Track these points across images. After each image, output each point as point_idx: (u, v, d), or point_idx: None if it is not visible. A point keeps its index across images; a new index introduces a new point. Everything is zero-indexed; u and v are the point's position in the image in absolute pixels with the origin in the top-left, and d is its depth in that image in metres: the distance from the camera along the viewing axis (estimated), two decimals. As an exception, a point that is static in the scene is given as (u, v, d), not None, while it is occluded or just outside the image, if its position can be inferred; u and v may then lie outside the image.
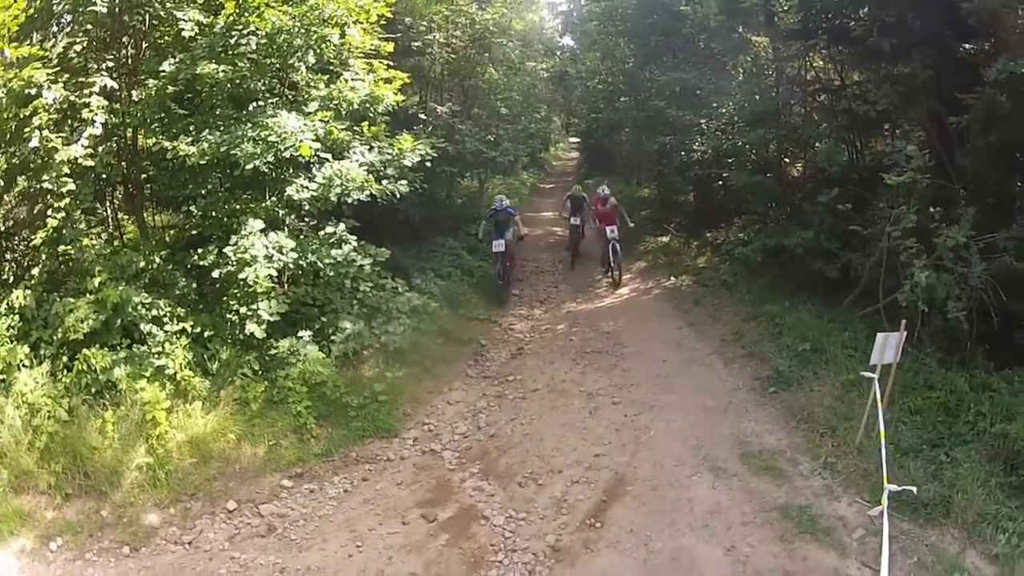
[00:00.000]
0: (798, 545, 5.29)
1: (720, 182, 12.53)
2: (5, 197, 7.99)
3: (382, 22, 8.71)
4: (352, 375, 7.93)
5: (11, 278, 7.64)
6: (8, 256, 7.98)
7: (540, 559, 5.47)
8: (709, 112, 12.81)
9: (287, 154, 7.59)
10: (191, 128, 7.81)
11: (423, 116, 11.20)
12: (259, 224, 7.57)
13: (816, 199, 9.34)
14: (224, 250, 7.45)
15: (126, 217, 9.23)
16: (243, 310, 7.47)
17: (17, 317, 7.13)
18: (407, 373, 8.25)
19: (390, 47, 8.87)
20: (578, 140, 23.19)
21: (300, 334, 7.84)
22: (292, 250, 7.60)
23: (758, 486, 6.00)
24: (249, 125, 7.60)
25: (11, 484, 6.20)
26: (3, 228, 8.27)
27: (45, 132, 6.98)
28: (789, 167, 11.67)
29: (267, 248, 7.45)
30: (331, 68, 8.81)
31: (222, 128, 7.66)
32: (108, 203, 9.06)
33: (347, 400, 7.53)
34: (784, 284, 9.90)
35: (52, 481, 6.23)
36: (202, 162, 7.49)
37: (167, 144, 7.63)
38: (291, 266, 7.73)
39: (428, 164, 8.94)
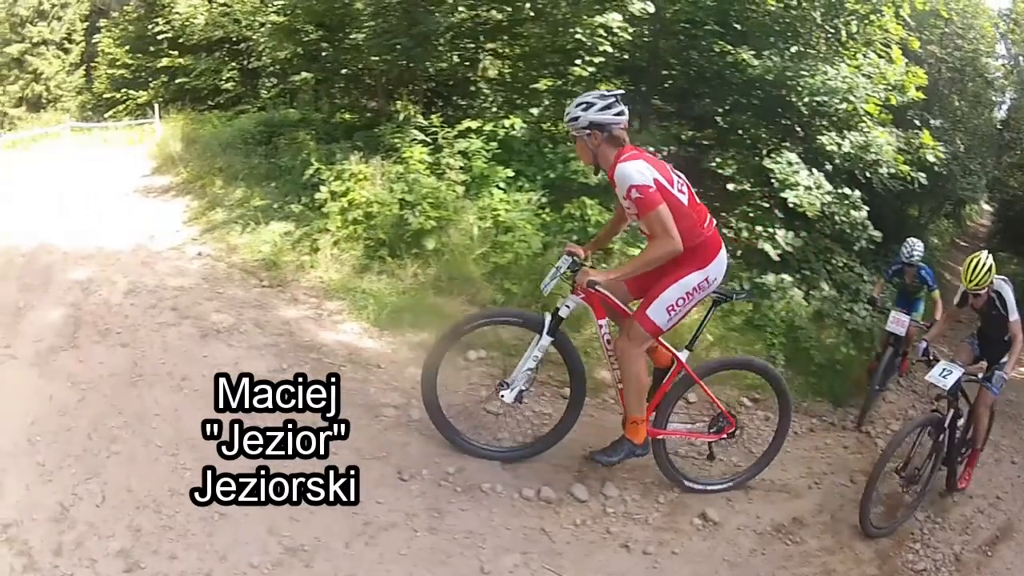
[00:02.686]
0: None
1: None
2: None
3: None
4: (816, 335, 8.01)
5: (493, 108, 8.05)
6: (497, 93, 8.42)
7: (945, 562, 5.73)
8: None
9: (843, 105, 7.55)
10: (725, 47, 7.85)
11: (916, 123, 11.08)
12: (794, 157, 7.63)
13: None
14: (769, 164, 7.54)
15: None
16: (758, 228, 7.60)
17: (497, 144, 7.41)
18: (857, 357, 8.35)
19: (916, 44, 8.72)
20: (993, 207, 21.22)
21: (782, 276, 7.84)
22: (827, 192, 7.61)
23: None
24: (803, 63, 7.64)
25: (435, 285, 6.39)
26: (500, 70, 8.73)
27: None
28: None
29: (809, 180, 7.55)
30: (854, 42, 8.58)
31: (778, 56, 7.74)
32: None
33: (813, 354, 7.51)
34: None
35: (497, 299, 6.33)
36: (768, 77, 7.58)
37: (728, 47, 7.74)
38: (819, 208, 7.62)
39: (936, 169, 8.70)
